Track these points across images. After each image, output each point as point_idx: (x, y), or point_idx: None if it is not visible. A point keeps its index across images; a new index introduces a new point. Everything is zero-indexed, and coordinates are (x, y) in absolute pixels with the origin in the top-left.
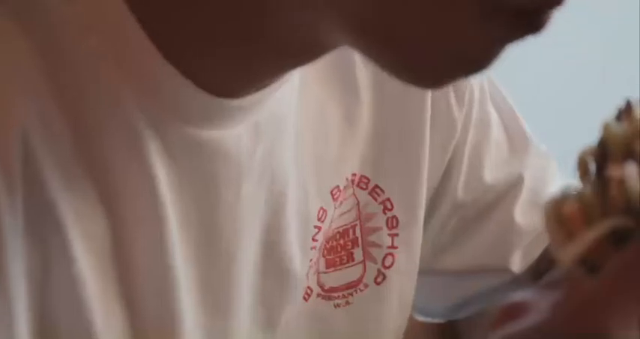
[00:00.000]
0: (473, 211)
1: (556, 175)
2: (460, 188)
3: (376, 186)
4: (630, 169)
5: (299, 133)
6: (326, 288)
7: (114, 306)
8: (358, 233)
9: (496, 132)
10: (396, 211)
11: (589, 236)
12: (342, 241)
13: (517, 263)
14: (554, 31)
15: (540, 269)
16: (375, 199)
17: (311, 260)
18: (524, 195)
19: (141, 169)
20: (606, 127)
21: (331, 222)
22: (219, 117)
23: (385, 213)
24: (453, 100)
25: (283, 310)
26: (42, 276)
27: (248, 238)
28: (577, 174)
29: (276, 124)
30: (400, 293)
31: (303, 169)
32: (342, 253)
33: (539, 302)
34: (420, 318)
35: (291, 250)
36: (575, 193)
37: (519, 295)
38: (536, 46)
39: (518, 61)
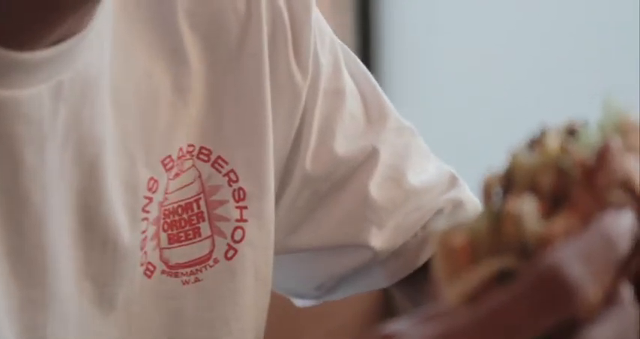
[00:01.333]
0: (325, 185)
1: (420, 151)
2: (309, 160)
3: (219, 157)
4: (528, 206)
5: (119, 101)
6: (171, 264)
7: None
8: (203, 207)
9: (351, 103)
10: (242, 183)
11: (474, 276)
12: (185, 216)
13: (376, 239)
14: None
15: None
16: (219, 171)
17: (144, 232)
18: (379, 169)
19: None
20: (514, 157)
21: (167, 194)
22: (12, 72)
23: (231, 185)
24: (294, 67)
25: (119, 286)
26: None
27: (59, 203)
28: (481, 200)
29: (83, 87)
30: (255, 268)
31: (128, 137)
32: (187, 227)
33: (411, 336)
34: (297, 302)
35: (116, 219)
36: (469, 223)
37: (393, 327)
38: None
39: None
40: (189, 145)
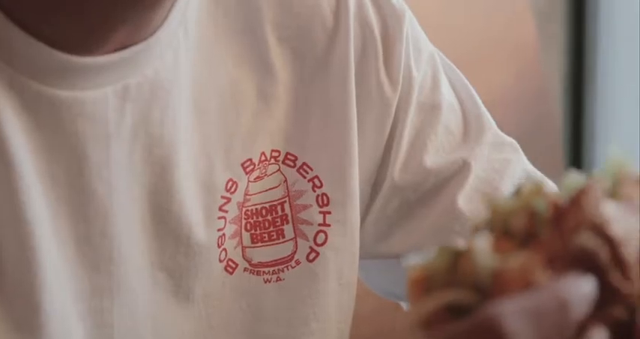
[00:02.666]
0: (414, 195)
1: (520, 167)
2: (397, 170)
3: (304, 164)
4: (480, 242)
5: (201, 106)
6: (254, 262)
7: None
8: (287, 210)
9: (448, 117)
10: (325, 189)
11: (424, 306)
12: (269, 217)
13: None
14: None
15: None
16: (304, 177)
17: (221, 230)
18: (470, 182)
19: None
20: (491, 201)
21: (247, 195)
22: (75, 75)
23: (315, 190)
24: (384, 79)
25: (196, 279)
26: None
27: (127, 197)
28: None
29: (152, 90)
30: (338, 271)
31: (208, 140)
32: (271, 228)
33: None
34: (401, 303)
35: (189, 217)
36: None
37: None
38: None
39: None
40: (275, 151)
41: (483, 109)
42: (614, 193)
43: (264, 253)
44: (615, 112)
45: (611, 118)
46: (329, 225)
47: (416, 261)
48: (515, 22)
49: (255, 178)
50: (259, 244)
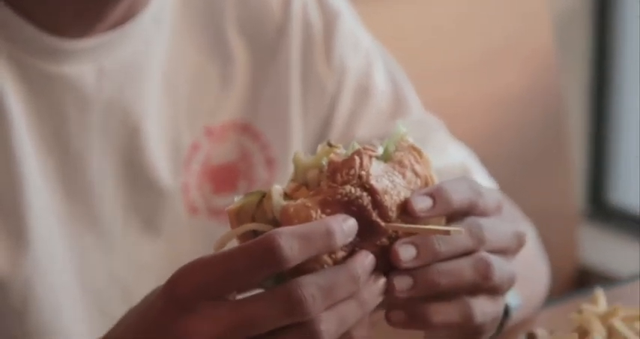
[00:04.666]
0: None
1: (437, 141)
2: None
3: (256, 131)
4: (275, 188)
5: (171, 82)
6: (213, 209)
7: None
8: (242, 168)
9: (379, 99)
10: (272, 152)
11: (233, 232)
12: (226, 173)
13: None
14: None
15: None
16: (255, 141)
17: (185, 182)
18: None
19: None
20: (295, 156)
21: (209, 155)
22: (60, 55)
23: (263, 153)
24: (323, 67)
25: (162, 219)
26: None
27: (101, 152)
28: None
29: (127, 70)
30: None
31: (176, 111)
32: (227, 183)
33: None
34: None
35: (157, 169)
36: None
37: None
38: None
39: None
40: (232, 120)
41: (411, 92)
42: (389, 157)
43: (222, 202)
44: (637, 117)
45: (633, 123)
46: (271, 183)
47: (237, 199)
48: (532, 26)
49: (215, 142)
50: (218, 193)
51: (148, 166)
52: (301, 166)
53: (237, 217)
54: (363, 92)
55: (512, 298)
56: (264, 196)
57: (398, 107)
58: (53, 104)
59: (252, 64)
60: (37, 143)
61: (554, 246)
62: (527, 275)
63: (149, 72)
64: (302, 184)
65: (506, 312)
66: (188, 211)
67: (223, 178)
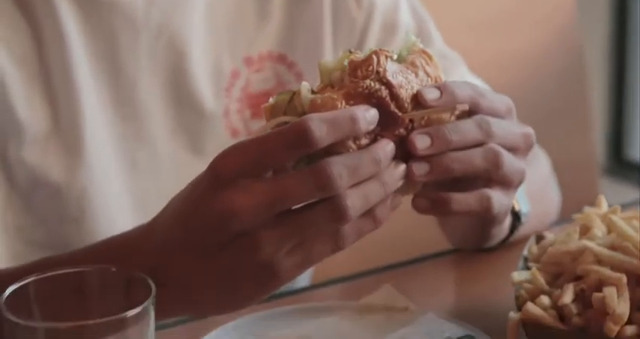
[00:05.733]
0: None
1: (459, 73)
2: None
3: (291, 61)
4: (304, 84)
5: (213, 15)
6: (252, 131)
7: (39, 104)
8: None
9: (404, 34)
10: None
11: (269, 124)
12: (265, 99)
13: None
14: None
15: None
16: (290, 71)
17: (226, 106)
18: None
19: (52, 13)
20: (320, 62)
21: (248, 82)
22: None
23: (297, 81)
24: (352, 3)
25: (206, 139)
26: None
27: (149, 74)
28: None
29: (174, 1)
30: None
31: (218, 41)
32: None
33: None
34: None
35: (201, 92)
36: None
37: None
38: None
39: None
40: (269, 51)
41: (434, 28)
42: (403, 60)
43: (259, 125)
44: None
45: None
46: None
47: (272, 99)
48: None
49: (254, 71)
50: (256, 118)
51: (193, 89)
52: (326, 69)
53: (271, 112)
54: (390, 27)
55: (523, 205)
56: (295, 94)
57: (422, 41)
58: (106, 29)
59: (288, 2)
60: (92, 64)
61: (574, 199)
62: (537, 195)
63: (193, 1)
64: (327, 85)
65: (518, 218)
66: (230, 133)
67: (261, 104)
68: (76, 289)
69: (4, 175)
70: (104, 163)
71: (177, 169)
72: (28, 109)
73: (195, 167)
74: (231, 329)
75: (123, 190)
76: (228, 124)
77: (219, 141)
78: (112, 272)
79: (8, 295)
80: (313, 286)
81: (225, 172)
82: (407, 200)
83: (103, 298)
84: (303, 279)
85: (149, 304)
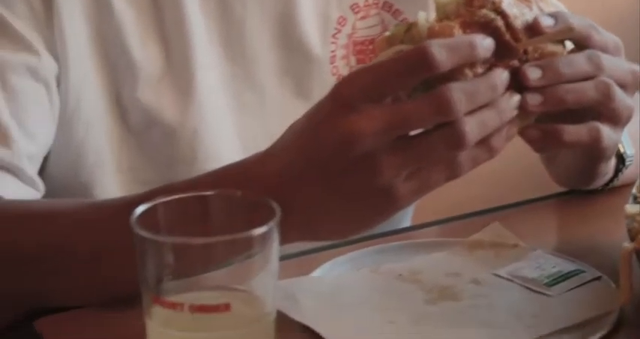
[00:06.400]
0: None
1: None
2: None
3: (396, 9)
4: (421, 14)
5: None
6: None
7: (152, 45)
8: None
9: None
10: None
11: (387, 52)
12: (370, 47)
13: None
14: None
15: None
16: (396, 18)
17: (333, 52)
18: None
19: None
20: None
21: (354, 29)
22: None
23: None
24: None
25: (312, 83)
26: (97, 18)
27: (259, 21)
28: None
29: None
30: None
31: None
32: (371, 56)
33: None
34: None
35: (309, 37)
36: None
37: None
38: None
39: None
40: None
41: None
42: None
43: None
44: None
45: None
46: None
47: (387, 32)
48: None
49: (360, 18)
50: (361, 64)
51: (301, 33)
52: (440, 3)
53: (388, 43)
54: None
55: (627, 147)
56: (412, 25)
57: None
58: None
59: None
60: (203, 8)
61: None
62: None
63: None
64: (442, 18)
65: (622, 160)
66: (336, 79)
67: (367, 51)
68: (201, 213)
69: (118, 116)
70: (214, 104)
71: (284, 113)
72: (142, 50)
73: (301, 112)
74: (344, 262)
75: (232, 132)
76: (334, 71)
77: (325, 86)
78: (237, 197)
79: (139, 215)
80: (422, 225)
81: (347, 97)
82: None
83: (227, 223)
84: (404, 219)
85: (274, 225)
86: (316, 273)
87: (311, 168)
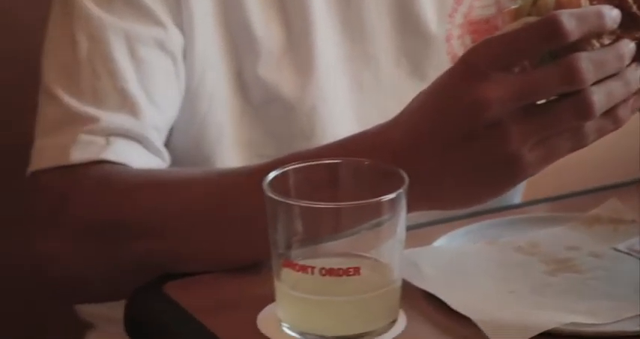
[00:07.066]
0: None
1: None
2: None
3: None
4: None
5: None
6: None
7: (274, 21)
8: (499, 22)
9: None
10: None
11: (513, 24)
12: (485, 26)
13: None
14: None
15: None
16: None
17: (449, 30)
18: None
19: None
20: None
21: (470, 8)
22: None
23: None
24: None
25: (428, 63)
26: None
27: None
28: None
29: None
30: None
31: None
32: (486, 35)
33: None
34: None
35: (426, 16)
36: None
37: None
38: None
39: None
40: None
41: None
42: None
43: None
44: None
45: None
46: None
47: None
48: None
49: None
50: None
51: (418, 13)
52: None
53: (515, 15)
54: None
55: None
56: None
57: None
58: None
59: None
60: None
61: None
62: None
63: None
64: None
65: None
66: (451, 58)
67: (482, 30)
68: (330, 180)
69: (239, 91)
70: (332, 82)
71: (399, 93)
72: (264, 26)
73: (416, 92)
74: (460, 235)
75: (348, 110)
76: (449, 49)
77: (441, 66)
78: (366, 165)
79: (271, 180)
80: (533, 201)
81: (477, 64)
82: None
83: (355, 190)
84: (515, 196)
85: (403, 192)
86: (435, 244)
87: (437, 135)
